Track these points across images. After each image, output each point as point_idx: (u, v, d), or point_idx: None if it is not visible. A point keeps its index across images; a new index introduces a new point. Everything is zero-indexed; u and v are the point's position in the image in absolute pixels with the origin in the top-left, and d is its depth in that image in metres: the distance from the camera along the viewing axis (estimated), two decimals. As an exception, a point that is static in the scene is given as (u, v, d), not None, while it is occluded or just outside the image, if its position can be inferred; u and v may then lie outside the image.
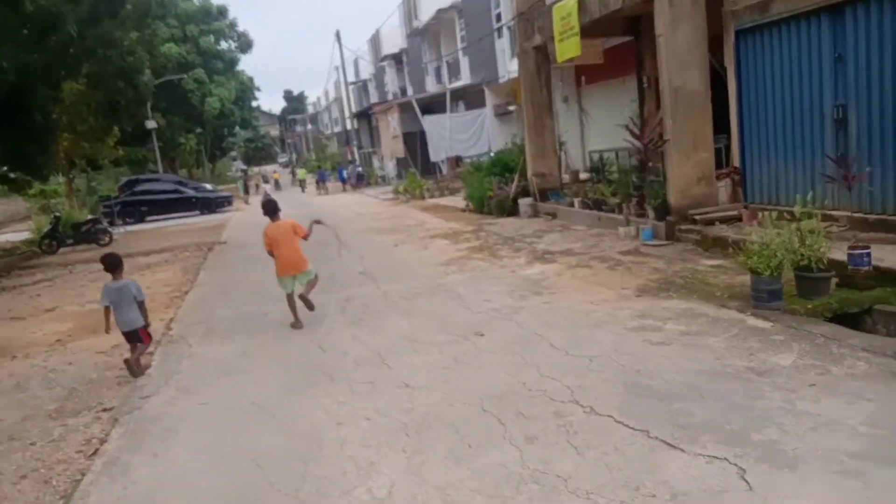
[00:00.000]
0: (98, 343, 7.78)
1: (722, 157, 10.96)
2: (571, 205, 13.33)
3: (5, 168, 19.33)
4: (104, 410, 5.46)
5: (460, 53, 27.00)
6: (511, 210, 15.18)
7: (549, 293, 7.63)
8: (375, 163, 37.76)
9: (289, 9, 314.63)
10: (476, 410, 4.51)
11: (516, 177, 15.72)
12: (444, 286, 8.60)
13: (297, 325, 7.38)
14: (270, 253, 7.63)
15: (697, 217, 9.61)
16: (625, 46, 15.83)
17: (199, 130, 47.54)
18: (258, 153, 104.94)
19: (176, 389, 5.76)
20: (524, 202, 14.70)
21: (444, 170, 25.99)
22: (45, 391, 6.20)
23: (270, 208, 7.94)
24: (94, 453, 4.61)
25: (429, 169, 27.35)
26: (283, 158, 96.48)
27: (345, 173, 35.46)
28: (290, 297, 7.52)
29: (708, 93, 9.62)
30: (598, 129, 18.67)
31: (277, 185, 41.72)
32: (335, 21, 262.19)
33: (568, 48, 12.31)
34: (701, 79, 9.52)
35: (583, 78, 19.94)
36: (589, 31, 12.34)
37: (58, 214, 19.10)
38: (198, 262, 13.46)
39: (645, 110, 15.01)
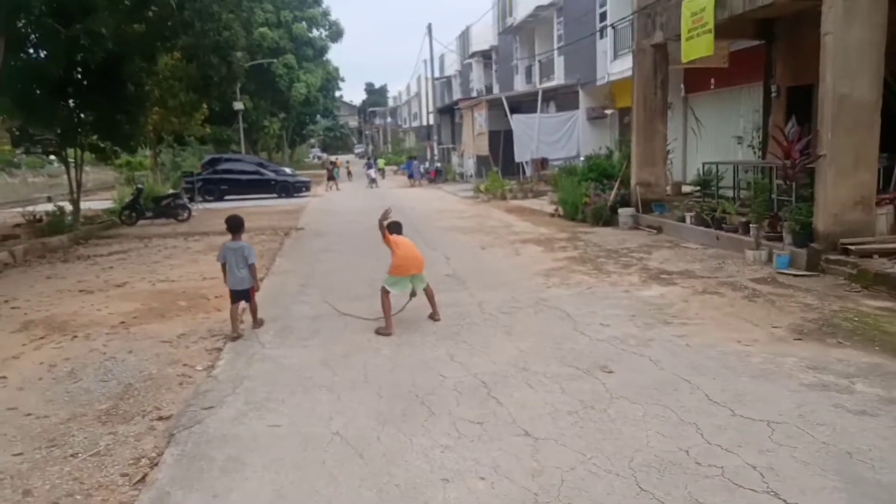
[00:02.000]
0: (163, 329, 7.05)
1: (880, 179, 9.39)
2: (682, 219, 11.94)
3: (95, 136, 19.41)
4: (160, 419, 4.62)
5: (555, 53, 25.70)
6: (608, 219, 13.89)
7: (680, 324, 6.40)
8: (454, 159, 36.86)
9: (375, 3, 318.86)
10: (630, 486, 3.39)
11: (616, 184, 14.40)
12: (548, 301, 7.47)
13: (386, 331, 6.44)
14: (387, 242, 6.70)
15: (851, 247, 8.15)
16: (747, 52, 14.26)
17: (282, 115, 47.85)
18: (335, 142, 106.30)
19: (245, 402, 4.86)
20: (624, 212, 13.38)
21: (529, 171, 24.76)
22: (99, 384, 5.44)
23: None
24: (142, 480, 3.73)
25: (510, 169, 26.16)
26: (359, 149, 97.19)
27: (413, 168, 34.51)
28: (386, 297, 6.60)
29: (879, 104, 8.12)
30: (707, 139, 17.07)
31: (349, 174, 41.15)
32: (421, 18, 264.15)
33: (697, 47, 10.96)
34: (872, 87, 8.03)
35: (685, 85, 18.40)
36: (718, 31, 10.93)
37: (140, 186, 18.98)
38: (274, 248, 12.78)
39: (771, 121, 13.43)
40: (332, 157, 52.57)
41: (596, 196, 14.45)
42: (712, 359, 5.34)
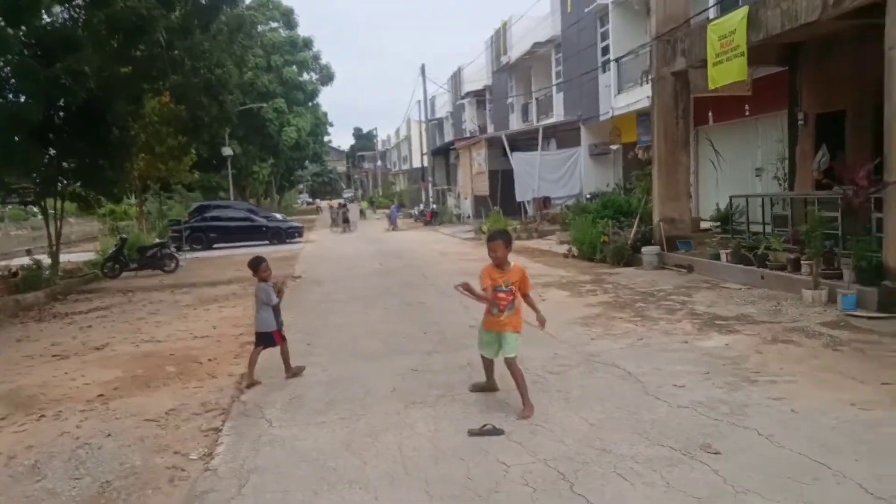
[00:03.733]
0: (148, 404, 5.92)
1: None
2: (716, 257, 11.01)
3: (77, 184, 18.40)
4: (145, 540, 3.49)
5: (554, 90, 25.20)
6: (629, 259, 12.95)
7: (767, 382, 5.37)
8: (450, 200, 36.10)
9: (362, 49, 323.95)
10: None
11: (636, 221, 13.51)
12: (599, 357, 6.43)
13: (527, 413, 4.90)
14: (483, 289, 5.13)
15: (932, 284, 7.21)
16: (766, 80, 13.60)
17: (272, 160, 47.14)
18: (324, 187, 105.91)
19: (254, 510, 3.75)
20: (649, 251, 12.44)
21: (531, 210, 23.93)
22: (68, 484, 4.30)
23: None
24: None
25: (510, 209, 25.35)
26: (348, 193, 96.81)
27: (392, 212, 33.32)
28: (489, 362, 5.41)
29: (952, 124, 7.30)
30: (723, 173, 16.31)
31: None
32: (409, 64, 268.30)
33: (727, 72, 10.21)
34: (945, 106, 7.22)
35: (696, 117, 17.76)
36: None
37: (124, 236, 17.88)
38: (271, 299, 11.66)
39: (798, 151, 12.68)
40: (342, 200, 52.15)
41: (615, 235, 13.54)
42: (835, 430, 4.30)
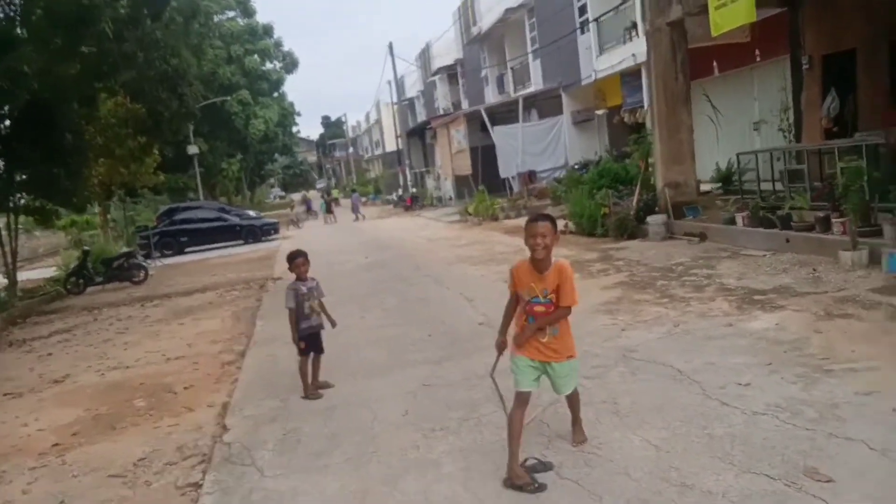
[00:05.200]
0: (113, 452, 4.97)
1: None
2: (730, 222, 10.20)
3: (31, 196, 17.11)
4: None
5: (530, 57, 24.18)
6: (633, 231, 12.10)
7: (845, 371, 4.55)
8: (429, 182, 35.06)
9: (325, 35, 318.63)
10: None
11: (637, 189, 12.66)
12: (637, 353, 5.55)
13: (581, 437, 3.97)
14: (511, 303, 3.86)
15: None
16: (761, 24, 12.69)
17: (240, 156, 45.66)
18: (295, 179, 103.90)
19: None
20: (655, 220, 11.61)
21: (516, 187, 23.01)
22: (4, 588, 3.35)
23: None
24: None
25: (493, 187, 24.33)
26: (321, 184, 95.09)
27: (354, 200, 32.07)
28: (523, 398, 3.71)
29: None
30: (722, 129, 15.42)
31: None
32: (373, 46, 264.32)
33: (733, 15, 9.30)
34: None
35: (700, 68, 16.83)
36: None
37: (86, 248, 16.65)
38: (251, 307, 10.67)
39: (803, 98, 11.86)
40: (328, 190, 51.55)
41: (615, 205, 12.69)
42: (965, 435, 3.47)
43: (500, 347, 3.87)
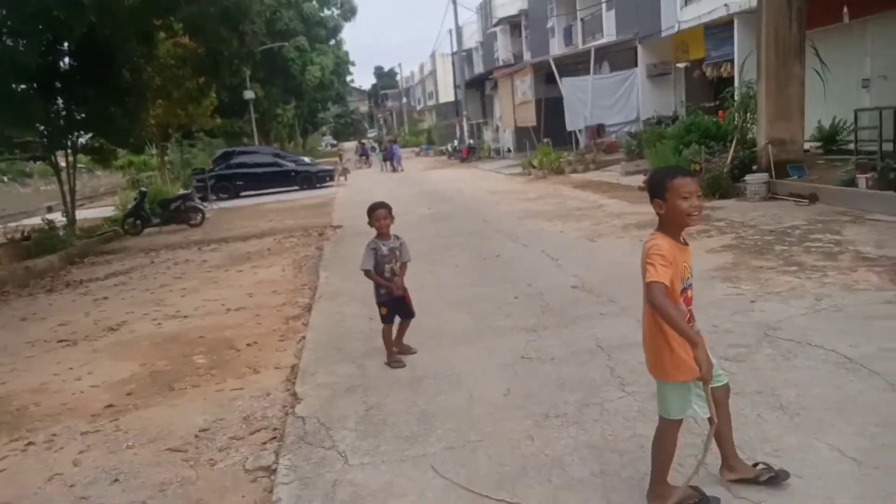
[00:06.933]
0: (172, 420, 4.36)
1: None
2: (849, 183, 8.99)
3: (89, 135, 16.83)
4: None
5: (604, 7, 22.54)
6: (726, 190, 10.94)
7: None
8: (487, 134, 33.85)
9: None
10: None
11: (732, 145, 11.44)
12: (782, 332, 4.61)
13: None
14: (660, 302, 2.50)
15: None
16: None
17: (295, 103, 45.08)
18: (347, 128, 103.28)
19: None
20: (755, 179, 10.43)
21: (583, 140, 21.73)
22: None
23: None
24: None
25: (556, 141, 23.14)
26: (372, 133, 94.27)
27: (394, 152, 30.74)
28: (672, 427, 2.74)
29: None
30: (821, 87, 13.89)
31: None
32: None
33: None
34: None
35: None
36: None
37: (143, 189, 16.34)
38: (312, 255, 10.04)
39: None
40: (381, 139, 51.78)
41: (706, 162, 11.51)
42: None
43: (707, 368, 2.44)
